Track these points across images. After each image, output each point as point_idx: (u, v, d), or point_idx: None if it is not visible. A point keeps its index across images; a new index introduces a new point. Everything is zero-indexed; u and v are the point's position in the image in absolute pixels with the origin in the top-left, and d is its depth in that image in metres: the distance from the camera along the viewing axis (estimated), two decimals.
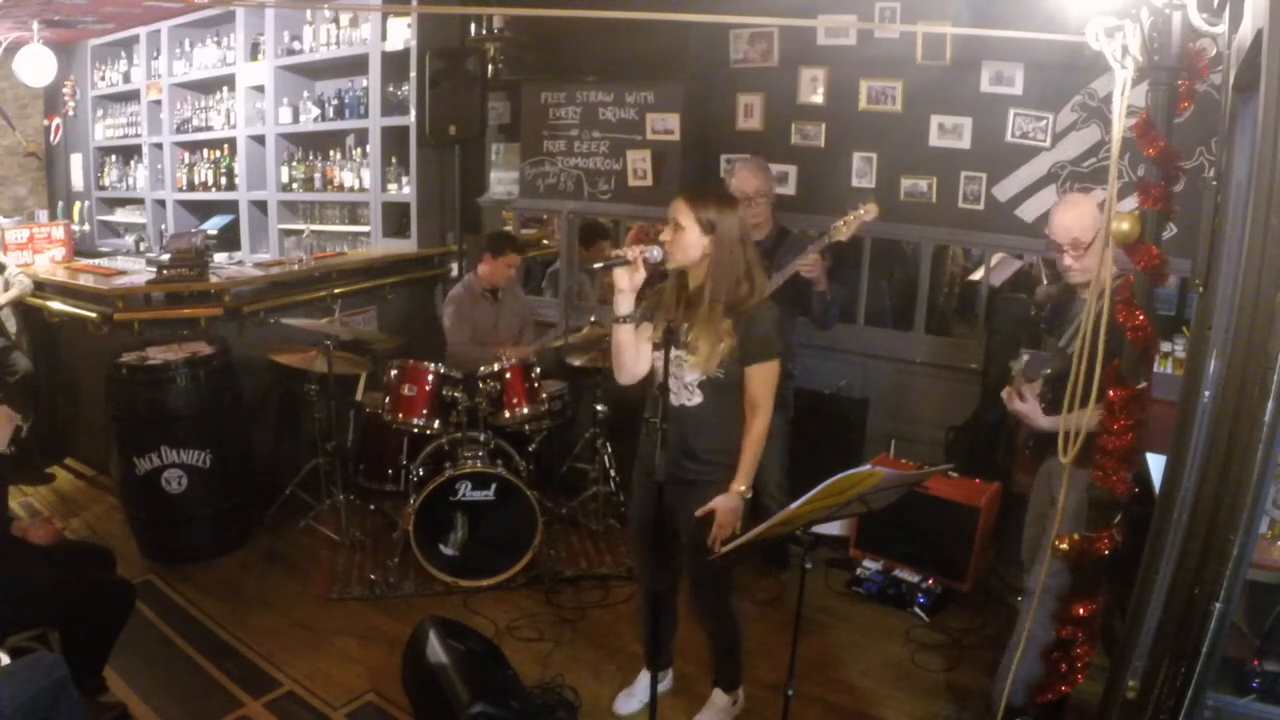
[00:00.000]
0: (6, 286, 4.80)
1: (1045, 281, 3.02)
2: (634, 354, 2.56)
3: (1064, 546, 2.26)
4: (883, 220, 4.25)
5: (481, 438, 3.95)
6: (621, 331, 2.52)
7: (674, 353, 2.54)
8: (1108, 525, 2.24)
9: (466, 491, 3.80)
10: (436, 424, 4.03)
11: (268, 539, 4.24)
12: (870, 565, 3.88)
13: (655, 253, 2.44)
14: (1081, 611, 2.29)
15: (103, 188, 7.39)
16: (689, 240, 2.48)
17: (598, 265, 2.63)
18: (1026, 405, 2.63)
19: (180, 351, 4.02)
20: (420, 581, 3.84)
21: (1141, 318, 2.07)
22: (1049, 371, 2.64)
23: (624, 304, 2.46)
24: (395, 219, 5.60)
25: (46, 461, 5.09)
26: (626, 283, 2.42)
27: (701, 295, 2.51)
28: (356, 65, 5.49)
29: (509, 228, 5.58)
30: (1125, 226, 2.03)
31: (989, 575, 3.78)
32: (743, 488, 2.54)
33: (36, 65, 6.14)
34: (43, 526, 2.86)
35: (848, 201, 4.11)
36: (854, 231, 3.35)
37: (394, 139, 5.42)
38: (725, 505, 2.52)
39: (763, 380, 2.53)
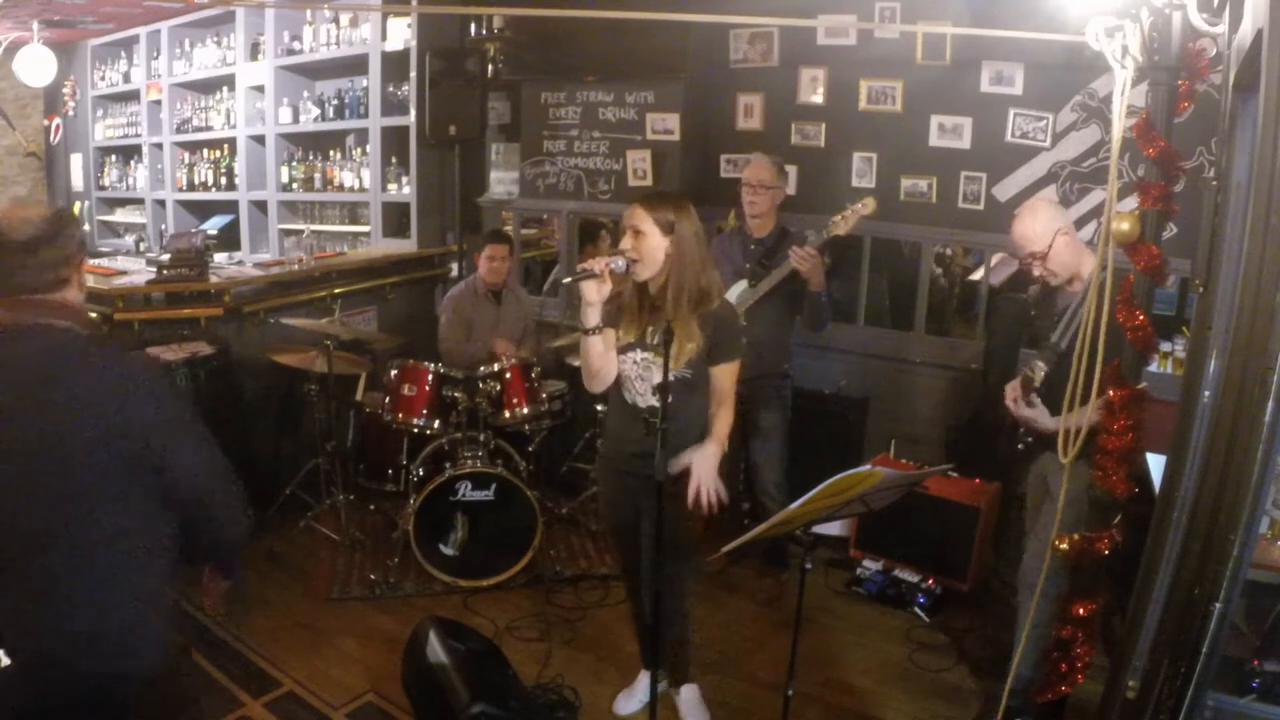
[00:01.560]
0: None
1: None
2: (604, 362, 2.59)
3: (1064, 546, 2.26)
4: (883, 220, 4.28)
5: (481, 438, 3.95)
6: (592, 343, 2.53)
7: (640, 355, 2.58)
8: (1108, 525, 2.24)
9: (466, 491, 3.80)
10: (436, 424, 4.03)
11: (268, 539, 4.23)
12: (870, 565, 3.88)
13: (620, 263, 2.44)
14: (1081, 611, 2.29)
15: (103, 188, 7.39)
16: (652, 245, 2.49)
17: (566, 280, 2.64)
18: (1033, 410, 2.65)
19: (180, 351, 4.01)
20: (420, 581, 3.84)
21: (1141, 318, 2.07)
22: (1045, 369, 2.67)
23: (592, 316, 2.48)
24: (395, 219, 5.60)
25: None
26: (595, 295, 2.44)
27: (664, 295, 2.53)
28: (356, 65, 5.49)
29: (508, 228, 5.58)
30: (1125, 226, 2.03)
31: (989, 575, 3.78)
32: (715, 447, 2.50)
33: (36, 65, 6.14)
34: None
35: (848, 202, 4.13)
36: (852, 226, 3.35)
37: (394, 139, 5.42)
38: (701, 457, 2.47)
39: (729, 378, 2.59)
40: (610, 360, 2.60)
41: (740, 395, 3.63)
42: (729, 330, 2.57)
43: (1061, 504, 2.30)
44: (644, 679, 3.02)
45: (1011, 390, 2.73)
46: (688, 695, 3.00)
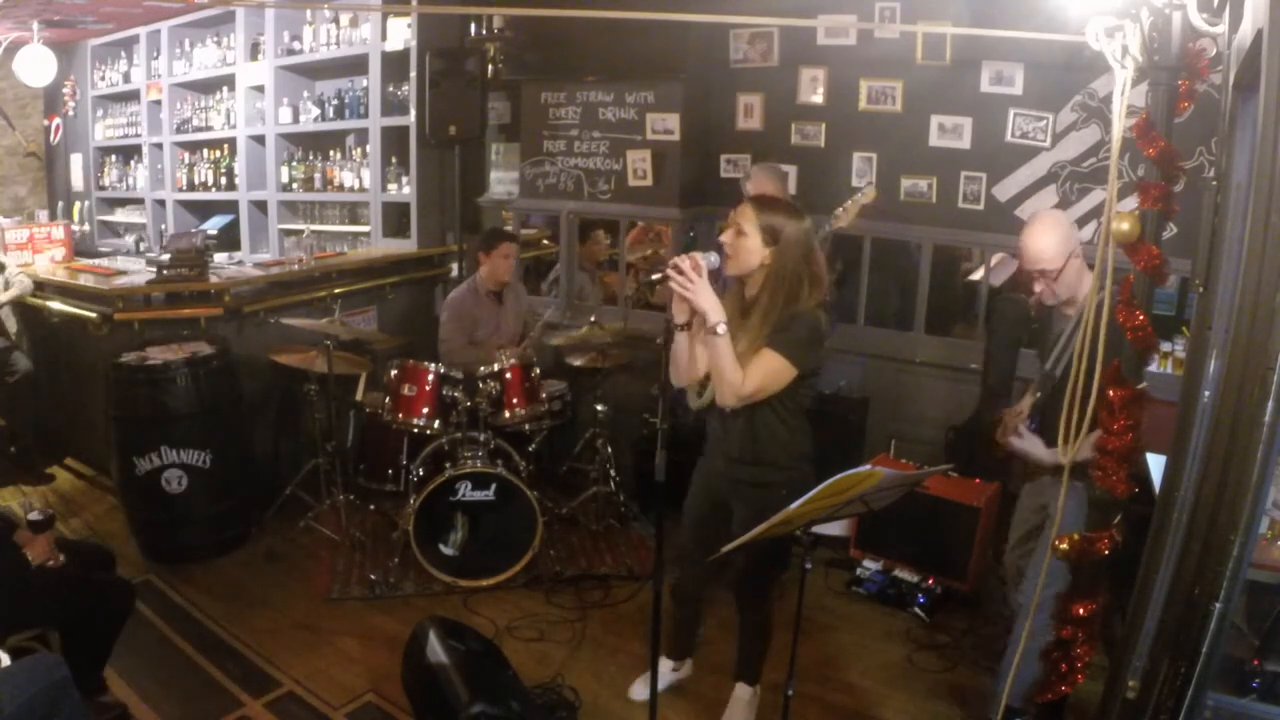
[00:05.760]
0: (6, 286, 4.80)
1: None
2: (688, 359, 2.54)
3: (1064, 547, 2.26)
4: (883, 220, 4.27)
5: (481, 438, 3.95)
6: (678, 338, 2.48)
7: None
8: (1108, 525, 2.24)
9: (466, 491, 3.80)
10: (436, 424, 4.03)
11: (268, 539, 4.24)
12: (870, 565, 3.88)
13: (713, 258, 2.37)
14: (1081, 611, 2.29)
15: (103, 188, 7.39)
16: (749, 247, 2.44)
17: (655, 277, 2.52)
18: (1025, 441, 2.64)
19: (180, 351, 4.01)
20: (420, 581, 3.84)
21: (1141, 318, 2.07)
22: (1038, 395, 2.64)
23: (680, 312, 2.41)
24: (395, 219, 5.60)
25: (46, 461, 5.09)
26: (683, 291, 2.34)
27: (756, 306, 2.48)
28: (356, 65, 5.49)
29: (509, 228, 5.58)
30: (1125, 226, 2.02)
31: (989, 575, 3.78)
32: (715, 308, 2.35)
33: (36, 65, 6.14)
34: (42, 546, 2.75)
35: (847, 202, 4.13)
36: (854, 217, 3.32)
37: (394, 139, 5.42)
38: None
39: (761, 364, 2.42)
40: (698, 358, 2.52)
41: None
42: (794, 331, 2.44)
43: (1061, 504, 2.29)
44: (662, 665, 3.02)
45: (1002, 430, 2.74)
46: (741, 693, 2.97)
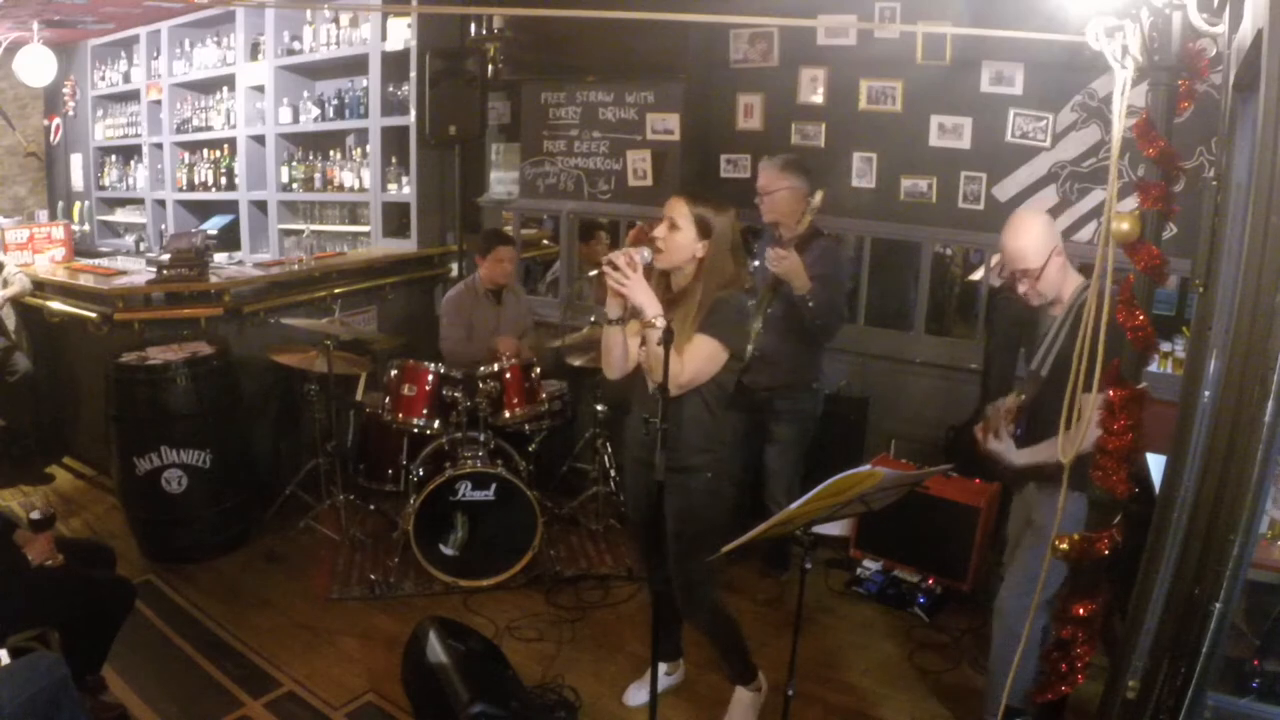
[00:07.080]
0: (5, 285, 4.80)
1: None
2: (622, 352, 2.61)
3: (1064, 547, 2.26)
4: (883, 220, 4.27)
5: (481, 438, 3.95)
6: (612, 332, 2.56)
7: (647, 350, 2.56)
8: (1108, 525, 2.24)
9: (466, 491, 3.80)
10: (436, 424, 4.03)
11: (268, 539, 4.24)
12: (870, 565, 3.89)
13: (645, 254, 2.45)
14: (1081, 611, 2.29)
15: (103, 188, 7.39)
16: (682, 241, 2.51)
17: (591, 273, 2.62)
18: (1000, 444, 2.61)
19: (180, 351, 4.02)
20: (420, 581, 3.84)
21: (1141, 318, 2.07)
22: (1023, 397, 2.62)
23: (614, 307, 2.50)
24: (395, 219, 5.60)
25: (46, 461, 5.09)
26: (618, 287, 2.42)
27: (686, 297, 2.54)
28: (356, 65, 5.50)
29: (508, 228, 5.58)
30: (1125, 226, 2.02)
31: (989, 575, 3.77)
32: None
33: (36, 65, 6.14)
34: (42, 546, 2.75)
35: (848, 202, 4.15)
36: (811, 218, 3.39)
37: (394, 139, 5.42)
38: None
39: (694, 351, 2.49)
40: (630, 352, 2.60)
41: (760, 404, 3.64)
42: (722, 313, 2.53)
43: (1061, 503, 2.29)
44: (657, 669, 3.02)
45: (981, 427, 2.68)
46: (740, 695, 2.96)
